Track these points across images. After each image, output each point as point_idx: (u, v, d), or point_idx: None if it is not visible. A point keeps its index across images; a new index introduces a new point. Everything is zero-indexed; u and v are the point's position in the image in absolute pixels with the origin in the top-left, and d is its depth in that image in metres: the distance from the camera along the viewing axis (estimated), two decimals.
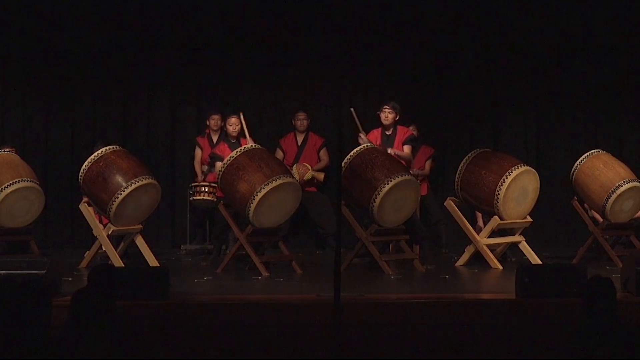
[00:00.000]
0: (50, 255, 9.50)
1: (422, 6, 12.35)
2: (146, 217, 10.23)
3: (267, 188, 9.58)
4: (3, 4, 12.19)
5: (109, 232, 9.91)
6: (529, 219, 10.46)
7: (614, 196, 10.24)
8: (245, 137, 11.00)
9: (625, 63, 12.57)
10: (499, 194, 10.12)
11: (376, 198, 9.68)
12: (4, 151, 10.92)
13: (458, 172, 10.45)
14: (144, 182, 9.88)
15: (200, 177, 11.37)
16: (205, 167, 11.32)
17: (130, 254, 10.56)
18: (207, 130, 11.73)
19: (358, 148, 10.04)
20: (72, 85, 12.57)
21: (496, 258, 10.27)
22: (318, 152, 11.94)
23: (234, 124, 11.01)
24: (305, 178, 11.53)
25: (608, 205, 10.27)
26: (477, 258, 10.38)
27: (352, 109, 10.89)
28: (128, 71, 12.54)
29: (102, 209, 9.93)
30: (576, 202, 10.69)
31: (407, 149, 10.66)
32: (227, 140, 11.02)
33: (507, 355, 7.31)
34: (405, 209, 9.91)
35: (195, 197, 11.06)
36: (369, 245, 9.88)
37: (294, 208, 9.98)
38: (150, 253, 10.08)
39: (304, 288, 8.92)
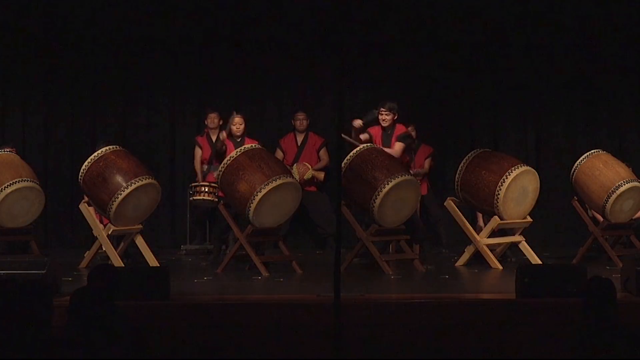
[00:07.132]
0: (50, 255, 9.49)
1: (422, 6, 12.34)
2: (146, 217, 10.23)
3: (267, 188, 9.58)
4: (2, 4, 12.18)
5: (109, 232, 9.91)
6: (529, 219, 10.46)
7: (614, 196, 10.24)
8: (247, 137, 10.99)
9: (625, 63, 12.56)
10: (499, 194, 10.12)
11: (376, 198, 9.67)
12: (4, 151, 10.91)
13: (458, 172, 10.44)
14: (144, 182, 9.88)
15: (200, 176, 11.36)
16: (206, 167, 11.32)
17: (130, 254, 10.56)
18: (206, 130, 11.73)
19: (358, 148, 10.02)
20: (72, 85, 12.57)
21: (496, 258, 10.27)
22: (318, 152, 11.93)
23: (237, 124, 10.98)
24: (305, 177, 11.52)
25: (608, 205, 10.26)
26: (477, 258, 10.37)
27: (343, 135, 10.56)
28: (128, 71, 12.53)
29: (102, 209, 9.93)
30: (576, 202, 10.68)
31: (397, 145, 10.36)
32: (231, 139, 11.01)
33: (507, 355, 7.30)
34: (405, 209, 9.91)
35: (195, 197, 11.05)
36: (369, 245, 9.87)
37: (294, 208, 9.98)
38: (150, 253, 10.08)
39: (304, 288, 8.92)
